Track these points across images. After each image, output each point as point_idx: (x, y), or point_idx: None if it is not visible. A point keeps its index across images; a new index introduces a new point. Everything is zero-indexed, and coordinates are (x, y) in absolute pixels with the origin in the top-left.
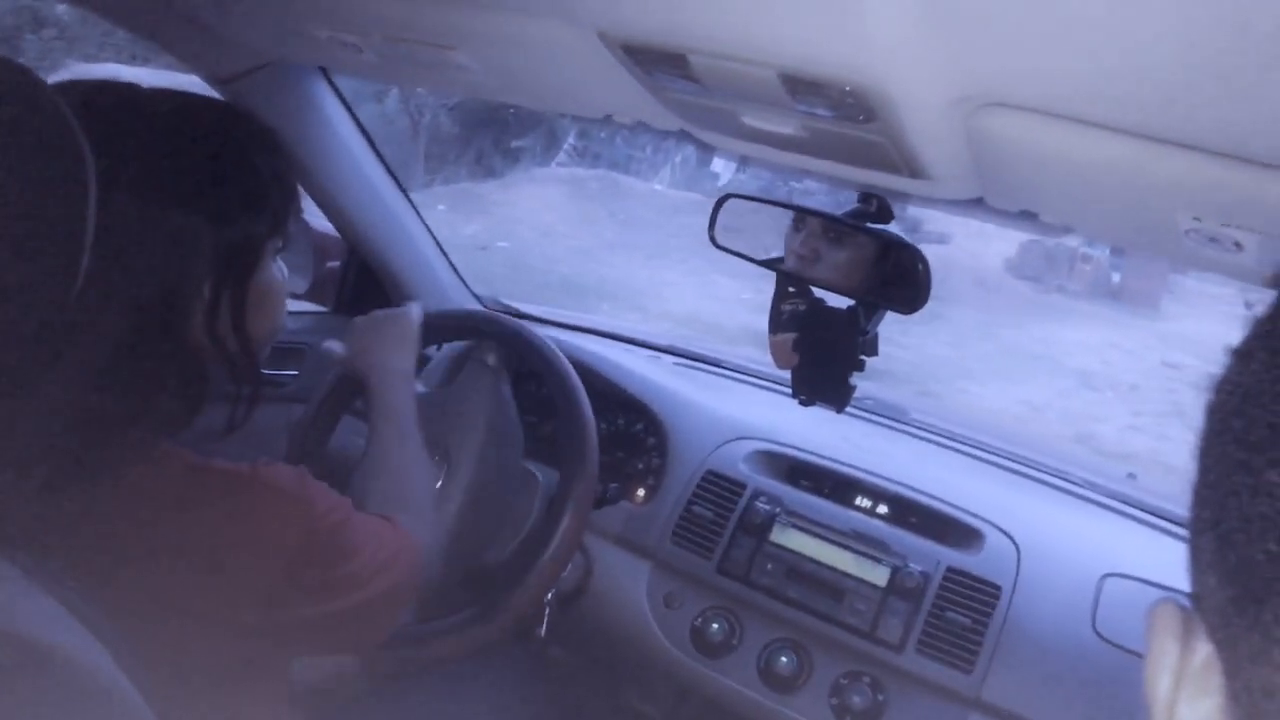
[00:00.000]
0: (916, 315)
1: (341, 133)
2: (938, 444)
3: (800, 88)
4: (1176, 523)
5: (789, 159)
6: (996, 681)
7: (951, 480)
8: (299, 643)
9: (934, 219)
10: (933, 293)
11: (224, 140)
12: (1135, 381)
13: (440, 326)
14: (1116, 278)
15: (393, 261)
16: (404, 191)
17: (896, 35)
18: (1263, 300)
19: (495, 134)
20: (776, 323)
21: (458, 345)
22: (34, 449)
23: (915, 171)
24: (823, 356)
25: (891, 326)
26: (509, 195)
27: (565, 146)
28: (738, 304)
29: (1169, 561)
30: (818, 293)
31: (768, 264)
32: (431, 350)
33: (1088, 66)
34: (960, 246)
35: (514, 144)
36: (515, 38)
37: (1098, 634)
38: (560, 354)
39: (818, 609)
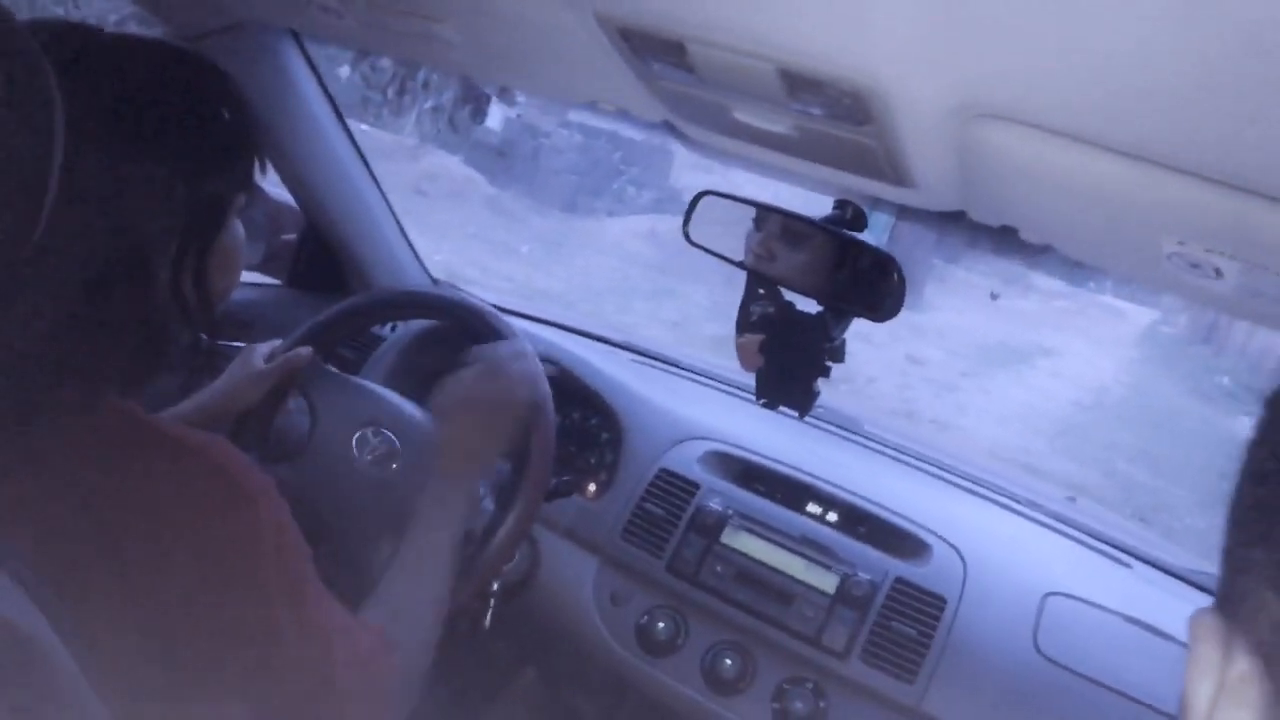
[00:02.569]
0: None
1: (309, 100)
2: (887, 456)
3: (798, 84)
4: (1114, 545)
5: (773, 159)
6: (938, 693)
7: (901, 492)
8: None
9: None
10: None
11: (194, 91)
12: (875, 375)
13: (402, 304)
14: None
15: (351, 238)
16: (368, 166)
17: (902, 36)
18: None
19: None
20: (745, 323)
21: (415, 334)
22: None
23: (900, 179)
24: (789, 360)
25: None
26: None
27: None
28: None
29: (1107, 583)
30: (787, 296)
31: (741, 264)
32: (384, 330)
33: (1092, 83)
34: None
35: None
36: (507, 15)
37: (1039, 651)
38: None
39: (765, 612)
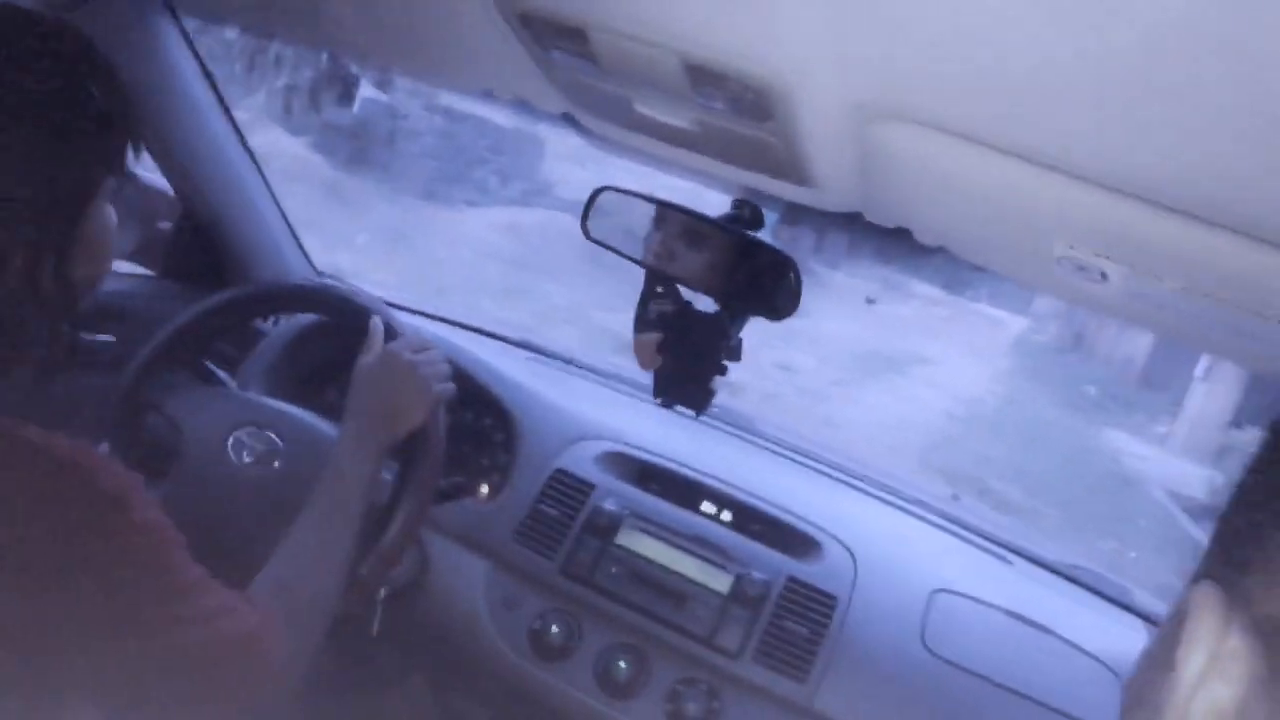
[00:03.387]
0: None
1: (186, 78)
2: (779, 455)
3: (702, 77)
4: (996, 542)
5: (675, 154)
6: (829, 691)
7: (793, 490)
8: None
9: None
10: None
11: (59, 62)
12: (742, 381)
13: (285, 298)
14: None
15: (230, 227)
16: (248, 150)
17: (807, 34)
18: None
19: None
20: (643, 322)
21: (299, 329)
22: None
23: (801, 178)
24: (687, 359)
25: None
26: None
27: None
28: None
29: (992, 580)
30: (685, 295)
31: (639, 261)
32: (267, 325)
33: (990, 86)
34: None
35: None
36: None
37: (926, 648)
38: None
39: (659, 614)
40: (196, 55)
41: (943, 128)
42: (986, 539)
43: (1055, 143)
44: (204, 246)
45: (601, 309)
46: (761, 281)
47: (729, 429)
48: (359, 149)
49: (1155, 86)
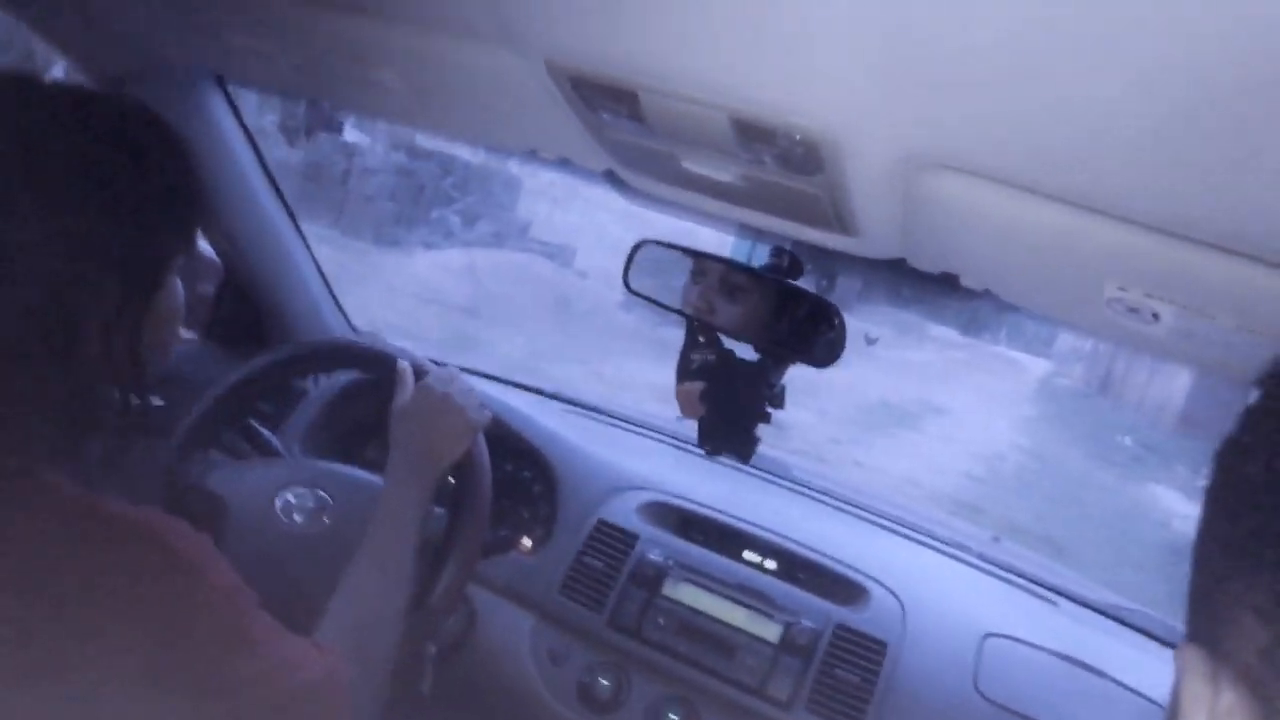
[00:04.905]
0: None
1: (233, 147)
2: (816, 500)
3: (751, 134)
4: (1040, 584)
5: (716, 207)
6: None
7: (835, 536)
8: None
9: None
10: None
11: (135, 142)
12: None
13: (325, 356)
14: None
15: (274, 290)
16: (292, 216)
17: (856, 87)
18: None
19: None
20: (685, 371)
21: (340, 388)
22: None
23: (844, 227)
24: (730, 407)
25: None
26: None
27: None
28: None
29: (1039, 622)
30: (727, 344)
31: (680, 311)
32: (309, 384)
33: (1039, 133)
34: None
35: None
36: (453, 62)
37: (979, 693)
38: None
39: (709, 665)
40: (241, 122)
41: (991, 176)
42: (1031, 580)
43: (1105, 186)
44: (246, 310)
45: (558, 361)
46: (804, 328)
47: (765, 475)
48: (309, 190)
49: (1205, 130)
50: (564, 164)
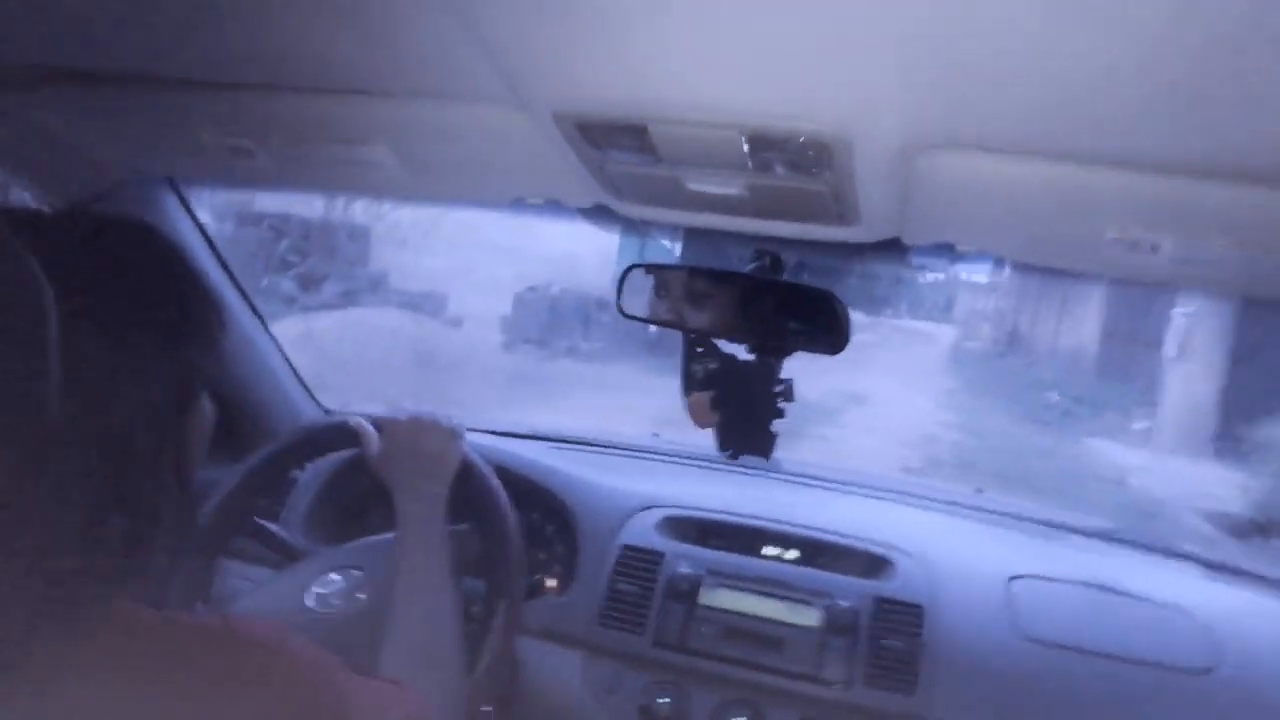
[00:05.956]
0: None
1: (196, 253)
2: (810, 486)
3: (761, 144)
4: (1038, 522)
5: (715, 221)
6: (939, 697)
7: (844, 516)
8: None
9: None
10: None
11: (153, 259)
12: None
13: (310, 443)
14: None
15: (243, 387)
16: (253, 305)
17: (869, 83)
18: None
19: None
20: (691, 382)
21: (328, 473)
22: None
23: (845, 218)
24: (744, 409)
25: None
26: None
27: None
28: None
29: (1052, 556)
30: (727, 349)
31: (677, 326)
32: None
33: (1042, 96)
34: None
35: None
36: (449, 127)
37: (1021, 633)
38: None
39: (761, 663)
40: (201, 228)
41: (992, 147)
42: (1028, 520)
43: (1105, 136)
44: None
45: None
46: (806, 320)
47: (758, 473)
48: None
49: (1200, 62)
50: (548, 205)
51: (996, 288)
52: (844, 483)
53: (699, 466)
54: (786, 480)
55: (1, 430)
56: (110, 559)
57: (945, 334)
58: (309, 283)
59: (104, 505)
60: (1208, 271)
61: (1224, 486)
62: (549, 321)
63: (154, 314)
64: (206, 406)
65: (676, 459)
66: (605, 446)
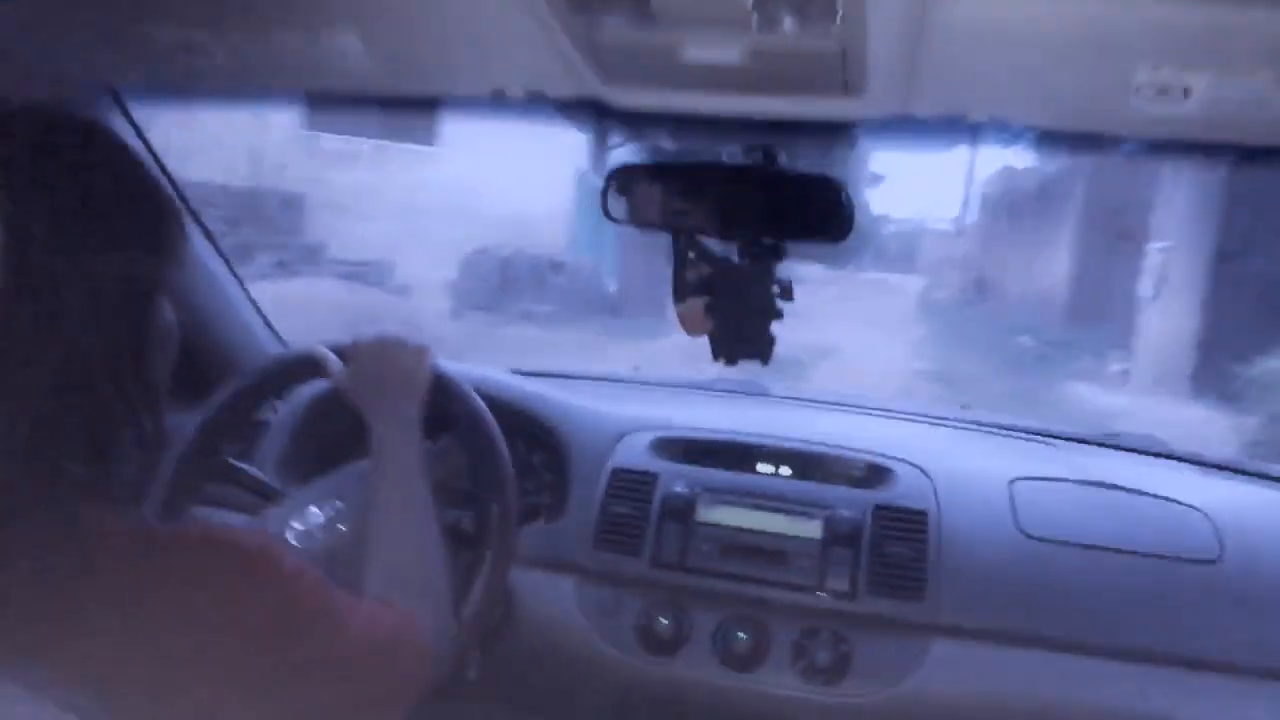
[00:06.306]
0: None
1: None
2: (807, 406)
3: None
4: (1030, 432)
5: (710, 104)
6: (948, 601)
7: (840, 430)
8: None
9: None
10: None
11: (106, 158)
12: None
13: (280, 375)
14: (612, 286)
15: (209, 326)
16: (213, 240)
17: None
18: None
19: None
20: (683, 289)
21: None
22: None
23: (850, 86)
24: (740, 313)
25: None
26: None
27: None
28: None
29: (1049, 460)
30: (719, 251)
31: (668, 228)
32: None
33: None
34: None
35: None
36: (424, 7)
37: (1024, 533)
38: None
39: (763, 577)
40: (148, 145)
41: None
42: (1020, 431)
43: None
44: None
45: None
46: (804, 209)
47: (741, 393)
48: None
49: None
50: (532, 101)
51: (963, 233)
52: (834, 402)
53: (686, 389)
54: (777, 400)
55: None
56: (71, 464)
57: (912, 284)
58: (239, 255)
59: (60, 409)
60: (1243, 115)
61: (1213, 428)
62: (500, 284)
63: (105, 209)
64: (169, 316)
65: (663, 384)
66: (585, 377)
